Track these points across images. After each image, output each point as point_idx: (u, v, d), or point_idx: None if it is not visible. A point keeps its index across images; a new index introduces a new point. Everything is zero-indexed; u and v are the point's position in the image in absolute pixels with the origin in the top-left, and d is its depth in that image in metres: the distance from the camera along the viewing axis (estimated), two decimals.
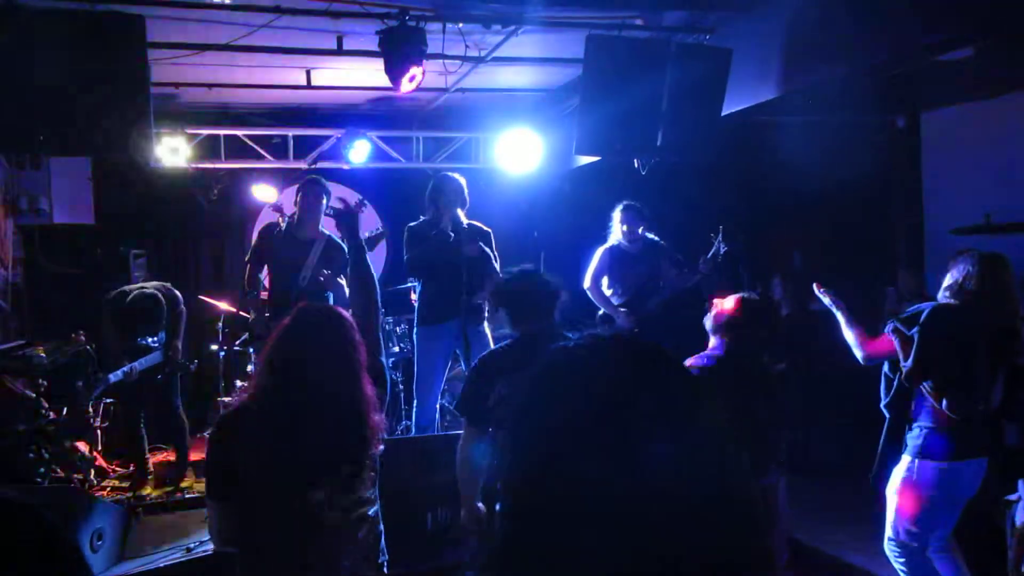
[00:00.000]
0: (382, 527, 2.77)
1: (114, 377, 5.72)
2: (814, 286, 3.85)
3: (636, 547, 0.88)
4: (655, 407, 0.94)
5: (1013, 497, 3.09)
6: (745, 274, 8.04)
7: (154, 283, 6.22)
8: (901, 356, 3.45)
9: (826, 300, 3.81)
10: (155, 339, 5.95)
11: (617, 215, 6.16)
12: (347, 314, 2.70)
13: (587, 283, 6.14)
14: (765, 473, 3.50)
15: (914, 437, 3.51)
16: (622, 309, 6.10)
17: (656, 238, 6.19)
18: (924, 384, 3.42)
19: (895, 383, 3.61)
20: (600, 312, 6.18)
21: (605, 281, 6.19)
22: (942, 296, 3.54)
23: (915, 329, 3.38)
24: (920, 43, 3.93)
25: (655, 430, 0.92)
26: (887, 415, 3.66)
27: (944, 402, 3.36)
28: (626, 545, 0.88)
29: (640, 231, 6.13)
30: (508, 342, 3.53)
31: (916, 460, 3.48)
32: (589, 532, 0.89)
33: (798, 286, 7.66)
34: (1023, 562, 3.48)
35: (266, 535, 2.45)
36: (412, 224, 5.74)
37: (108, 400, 6.49)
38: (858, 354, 3.67)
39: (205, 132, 7.61)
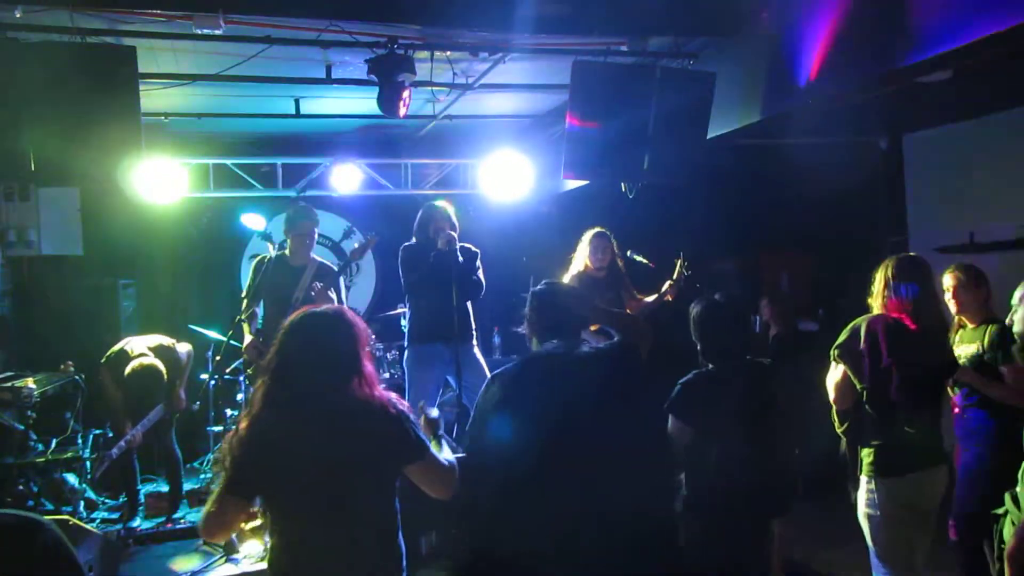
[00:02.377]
0: None
1: (117, 451, 5.71)
2: None
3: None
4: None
5: (1000, 511, 3.09)
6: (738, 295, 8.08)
7: (153, 341, 6.05)
8: (856, 379, 3.45)
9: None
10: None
11: (588, 242, 6.10)
12: (345, 310, 2.76)
13: None
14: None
15: (867, 455, 3.50)
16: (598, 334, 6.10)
17: (620, 264, 6.19)
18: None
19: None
20: None
21: None
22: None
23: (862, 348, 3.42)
24: (900, 66, 4.00)
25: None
26: (845, 439, 3.64)
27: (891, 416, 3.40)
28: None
29: (608, 259, 6.14)
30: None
31: (873, 480, 3.46)
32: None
33: (786, 307, 7.72)
34: None
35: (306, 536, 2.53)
36: (408, 244, 5.78)
37: (97, 431, 6.45)
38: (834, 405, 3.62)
39: (194, 162, 7.65)
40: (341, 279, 5.88)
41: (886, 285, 3.53)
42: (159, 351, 5.93)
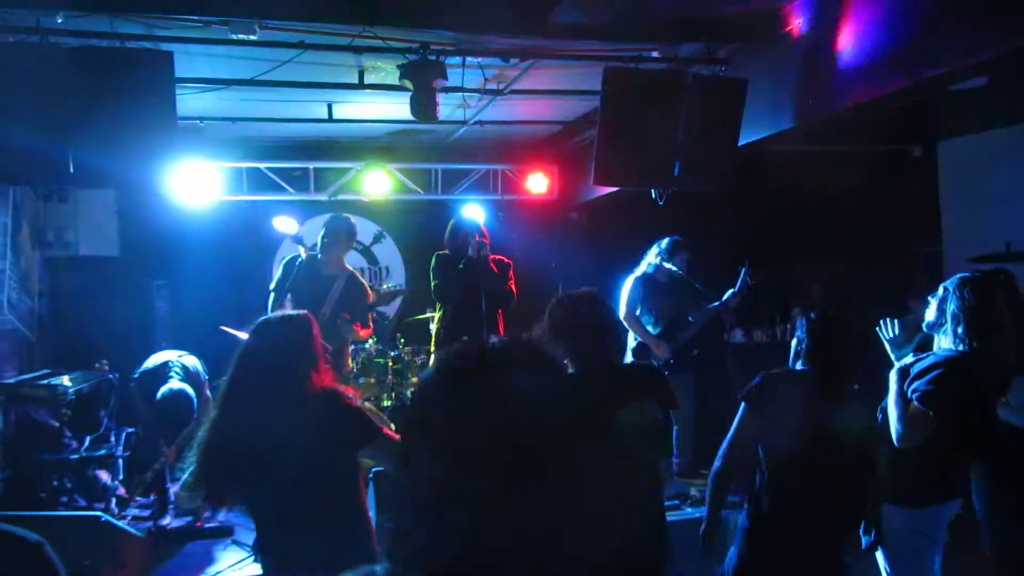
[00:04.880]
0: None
1: (151, 474, 5.82)
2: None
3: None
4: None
5: None
6: (765, 306, 8.05)
7: (181, 362, 6.11)
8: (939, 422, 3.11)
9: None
10: None
11: (668, 250, 6.12)
12: (302, 315, 3.08)
13: (623, 313, 6.07)
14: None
15: (892, 480, 3.35)
16: (660, 339, 6.11)
17: (682, 272, 6.18)
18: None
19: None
20: (635, 343, 6.16)
21: (637, 311, 6.18)
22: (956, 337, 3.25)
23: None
24: (935, 73, 3.95)
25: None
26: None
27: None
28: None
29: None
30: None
31: (889, 507, 3.38)
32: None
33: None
34: None
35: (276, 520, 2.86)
36: (440, 252, 5.86)
37: (130, 430, 6.54)
38: (896, 431, 3.21)
39: (228, 165, 7.75)
40: (369, 292, 5.91)
41: (963, 313, 3.23)
42: (187, 379, 6.01)
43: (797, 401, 3.09)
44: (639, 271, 6.21)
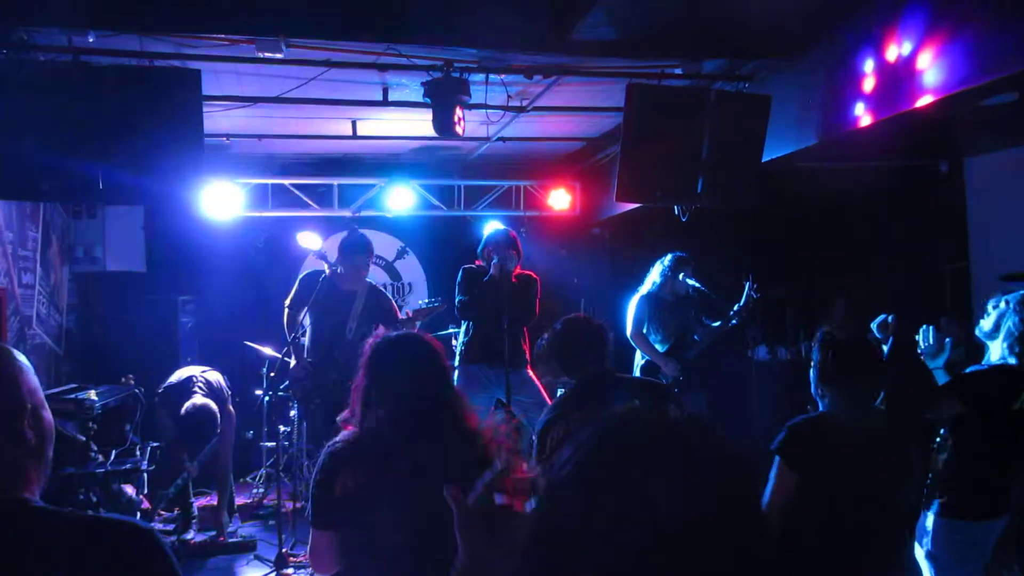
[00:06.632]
0: None
1: (174, 489, 5.86)
2: None
3: None
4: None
5: None
6: (790, 324, 7.98)
7: (205, 377, 6.15)
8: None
9: None
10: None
11: (671, 267, 6.10)
12: (429, 337, 2.73)
13: (631, 331, 6.08)
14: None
15: (940, 494, 3.41)
16: (668, 357, 6.07)
17: (690, 287, 6.13)
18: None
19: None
20: (643, 361, 6.13)
21: (644, 330, 6.16)
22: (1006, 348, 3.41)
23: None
24: (963, 88, 3.92)
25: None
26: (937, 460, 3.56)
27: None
28: None
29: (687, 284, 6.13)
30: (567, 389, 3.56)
31: (939, 519, 3.37)
32: None
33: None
34: None
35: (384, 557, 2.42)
36: (467, 266, 5.85)
37: (155, 444, 6.59)
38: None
39: (254, 181, 7.84)
40: (394, 303, 5.92)
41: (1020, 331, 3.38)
42: (210, 394, 6.04)
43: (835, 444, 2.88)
44: (644, 290, 6.18)
